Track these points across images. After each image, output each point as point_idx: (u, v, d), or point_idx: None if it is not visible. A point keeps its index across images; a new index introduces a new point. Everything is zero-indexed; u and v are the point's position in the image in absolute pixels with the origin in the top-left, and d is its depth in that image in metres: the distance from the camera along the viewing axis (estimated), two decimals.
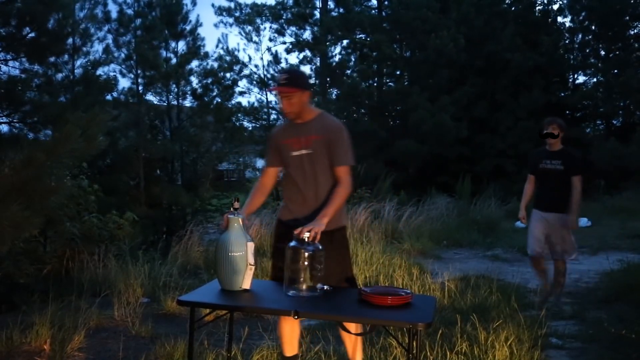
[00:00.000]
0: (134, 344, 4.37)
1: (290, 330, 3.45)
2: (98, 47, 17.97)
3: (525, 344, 4.06)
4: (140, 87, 16.85)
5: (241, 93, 22.38)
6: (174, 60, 17.58)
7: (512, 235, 11.01)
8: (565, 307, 5.63)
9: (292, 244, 2.90)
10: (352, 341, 3.45)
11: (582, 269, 7.86)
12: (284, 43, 22.92)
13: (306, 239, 2.89)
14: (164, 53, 17.44)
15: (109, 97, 16.00)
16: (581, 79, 25.38)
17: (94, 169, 8.01)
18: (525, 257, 8.69)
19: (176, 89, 17.83)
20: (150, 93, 17.47)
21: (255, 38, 23.01)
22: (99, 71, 15.16)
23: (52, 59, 12.30)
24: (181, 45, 17.85)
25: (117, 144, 15.82)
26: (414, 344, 2.48)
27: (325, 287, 2.89)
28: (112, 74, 16.14)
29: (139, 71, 16.56)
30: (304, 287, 2.84)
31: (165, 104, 17.91)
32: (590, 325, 4.98)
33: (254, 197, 3.49)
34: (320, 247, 2.89)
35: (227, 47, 24.27)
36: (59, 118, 9.29)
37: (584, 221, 12.85)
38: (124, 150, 15.96)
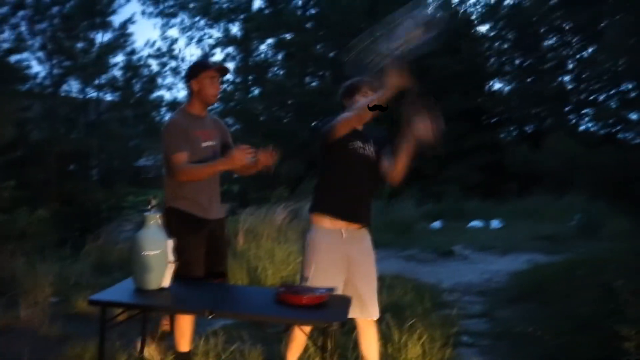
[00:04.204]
0: (42, 345, 4.20)
1: (189, 324, 3.41)
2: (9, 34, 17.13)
3: (438, 342, 4.16)
4: (55, 78, 16.19)
5: (168, 88, 22.05)
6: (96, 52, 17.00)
7: (427, 236, 11.29)
8: (476, 306, 5.82)
9: None
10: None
11: (492, 268, 8.15)
12: (210, 37, 22.70)
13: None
14: (85, 44, 16.82)
15: (21, 87, 15.29)
16: (497, 85, 26.33)
17: (0, 162, 7.63)
18: (439, 258, 8.95)
19: (96, 81, 17.24)
20: (66, 84, 16.83)
21: (185, 32, 22.70)
22: (10, 59, 14.48)
23: None
24: (106, 38, 17.34)
25: (29, 136, 15.14)
26: (328, 343, 2.50)
27: None
28: (25, 63, 15.46)
29: (54, 61, 15.91)
30: None
31: (82, 96, 17.29)
32: (499, 323, 5.17)
33: None
34: None
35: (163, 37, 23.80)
36: None
37: (495, 223, 13.35)
38: (36, 144, 15.28)
